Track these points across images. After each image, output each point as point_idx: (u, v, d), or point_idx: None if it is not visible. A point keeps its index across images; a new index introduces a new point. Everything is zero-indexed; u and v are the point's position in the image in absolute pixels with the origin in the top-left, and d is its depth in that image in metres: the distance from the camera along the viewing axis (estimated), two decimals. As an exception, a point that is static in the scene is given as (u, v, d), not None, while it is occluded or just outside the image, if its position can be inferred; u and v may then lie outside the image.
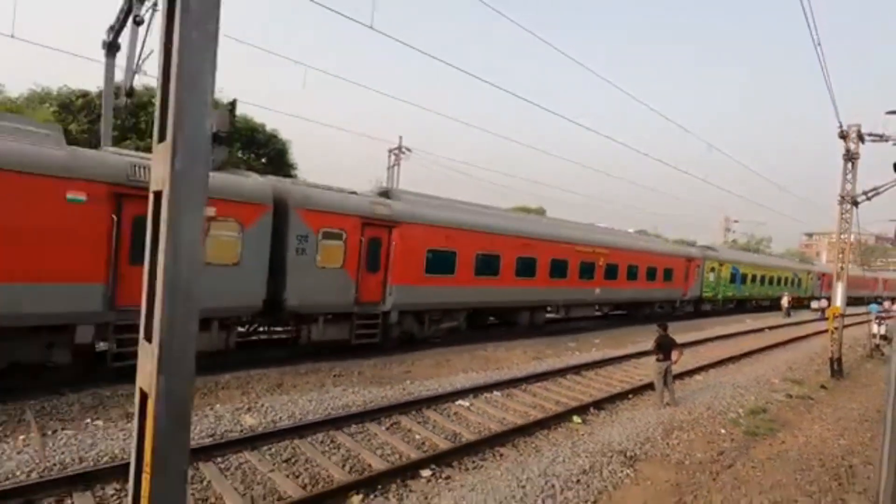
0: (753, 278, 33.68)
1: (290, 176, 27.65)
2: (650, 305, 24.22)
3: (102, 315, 8.15)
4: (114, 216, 8.08)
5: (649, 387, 11.08)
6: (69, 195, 7.68)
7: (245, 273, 9.78)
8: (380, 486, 5.89)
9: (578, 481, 6.40)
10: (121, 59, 13.94)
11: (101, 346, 8.70)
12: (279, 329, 12.79)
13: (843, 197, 15.59)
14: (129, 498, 2.25)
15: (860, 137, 15.15)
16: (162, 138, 2.19)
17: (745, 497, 6.40)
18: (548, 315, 19.30)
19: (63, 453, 5.94)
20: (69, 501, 5.07)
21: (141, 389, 2.22)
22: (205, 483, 5.69)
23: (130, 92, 13.25)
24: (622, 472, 6.85)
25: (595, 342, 17.22)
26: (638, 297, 22.81)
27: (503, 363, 12.84)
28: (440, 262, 13.64)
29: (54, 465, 5.68)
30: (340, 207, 11.52)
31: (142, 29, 12.73)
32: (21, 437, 6.36)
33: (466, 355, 13.35)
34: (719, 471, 7.18)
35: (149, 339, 2.14)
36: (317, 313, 11.25)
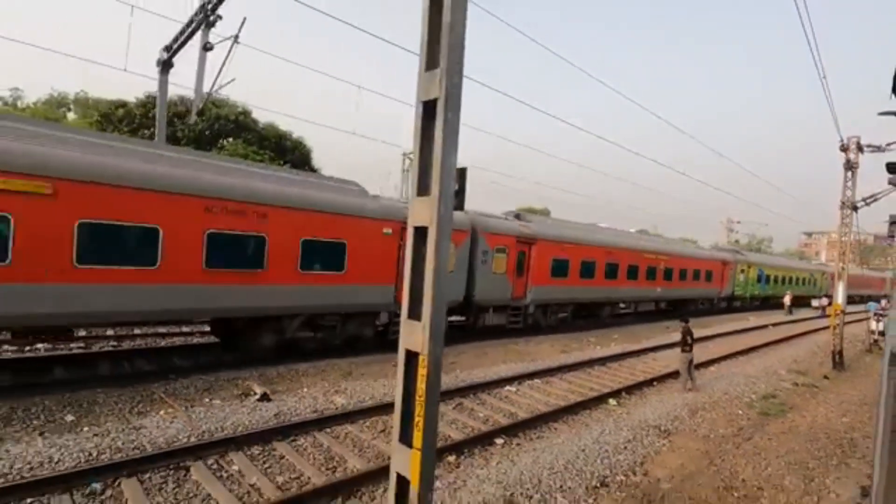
0: (776, 279, 37.59)
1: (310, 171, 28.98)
2: (695, 302, 28.65)
3: (392, 306, 12.34)
4: (400, 241, 11.93)
5: (670, 376, 12.40)
6: (384, 230, 12.09)
7: (456, 278, 14.13)
8: (465, 451, 7.16)
9: (625, 448, 7.67)
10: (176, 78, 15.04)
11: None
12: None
13: (843, 203, 16.88)
14: (397, 426, 3.52)
15: (859, 148, 16.44)
16: (423, 192, 3.46)
17: (765, 461, 7.68)
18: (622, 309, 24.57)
19: (206, 423, 7.21)
20: (228, 458, 6.34)
21: (408, 350, 3.48)
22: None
23: (202, 112, 14.39)
24: (659, 442, 8.13)
25: (614, 337, 18.52)
26: (687, 294, 27.18)
27: (535, 356, 14.11)
28: (560, 268, 18.01)
29: (203, 432, 6.94)
30: (506, 230, 16.09)
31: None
32: (161, 412, 7.63)
33: (501, 349, 14.62)
34: (740, 442, 8.47)
35: (417, 318, 3.41)
36: (489, 305, 15.83)
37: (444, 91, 3.30)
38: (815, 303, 37.80)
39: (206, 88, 13.91)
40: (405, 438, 3.49)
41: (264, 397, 8.40)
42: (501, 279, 15.83)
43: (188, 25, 14.79)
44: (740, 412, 10.19)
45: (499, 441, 7.61)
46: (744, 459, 7.69)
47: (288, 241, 10.29)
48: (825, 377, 14.54)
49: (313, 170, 29.72)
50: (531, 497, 5.88)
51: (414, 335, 3.46)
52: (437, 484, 5.85)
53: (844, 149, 15.56)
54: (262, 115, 28.88)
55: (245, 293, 9.77)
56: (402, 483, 3.50)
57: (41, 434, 6.52)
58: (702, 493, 6.48)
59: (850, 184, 16.66)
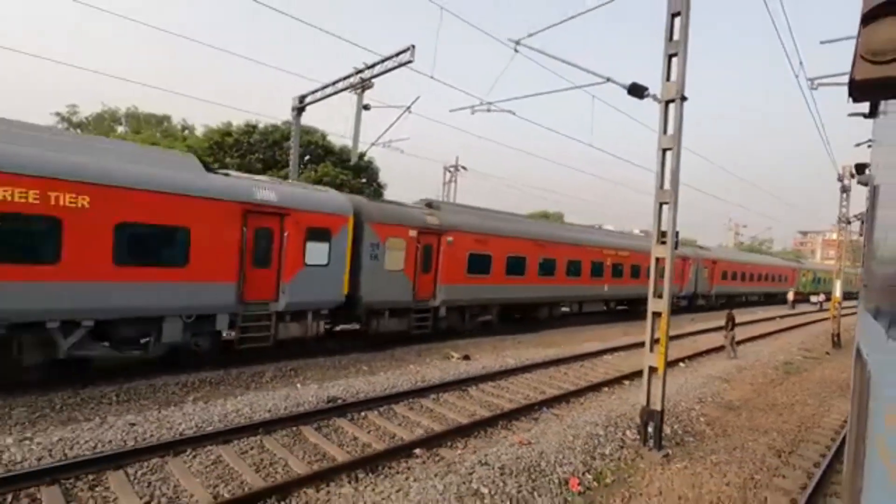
0: (818, 279, 51.24)
1: (379, 193, 33.49)
2: (775, 297, 42.91)
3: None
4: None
5: (714, 350, 16.91)
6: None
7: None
8: (520, 416, 11.58)
9: (703, 386, 12.10)
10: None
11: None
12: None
13: (839, 218, 21.45)
14: (648, 343, 7.94)
15: (852, 175, 20.99)
16: (661, 241, 7.88)
17: (792, 393, 12.17)
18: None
19: (450, 371, 11.63)
20: (473, 387, 10.74)
21: (654, 312, 7.92)
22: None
23: (362, 156, 18.71)
24: (723, 385, 12.56)
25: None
26: (774, 291, 42.50)
27: (566, 345, 18.55)
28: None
29: (452, 375, 11.33)
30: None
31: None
32: (410, 365, 12.02)
33: (509, 342, 19.07)
34: (775, 385, 12.96)
35: (660, 296, 7.83)
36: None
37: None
38: (813, 298, 42.62)
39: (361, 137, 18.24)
40: (651, 350, 7.93)
41: (465, 358, 12.82)
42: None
43: (327, 86, 19.23)
44: (770, 371, 14.69)
45: (574, 399, 12.08)
46: (779, 392, 12.19)
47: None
48: (827, 353, 19.07)
49: (380, 186, 34.17)
50: (677, 404, 10.33)
51: (658, 304, 7.90)
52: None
53: (840, 178, 20.11)
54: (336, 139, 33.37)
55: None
56: (652, 370, 7.95)
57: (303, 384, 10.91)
58: (757, 406, 10.95)
59: (844, 203, 21.23)
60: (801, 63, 10.72)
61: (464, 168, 40.90)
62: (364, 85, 17.88)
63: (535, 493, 6.11)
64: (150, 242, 9.04)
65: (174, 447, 6.47)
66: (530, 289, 18.12)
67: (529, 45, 9.84)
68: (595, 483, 6.68)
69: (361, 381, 10.31)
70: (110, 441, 6.52)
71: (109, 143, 10.26)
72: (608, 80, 9.06)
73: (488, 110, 11.73)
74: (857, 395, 3.43)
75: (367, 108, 17.88)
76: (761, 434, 9.10)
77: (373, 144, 18.44)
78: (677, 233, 8.00)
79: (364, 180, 32.53)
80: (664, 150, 8.09)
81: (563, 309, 21.20)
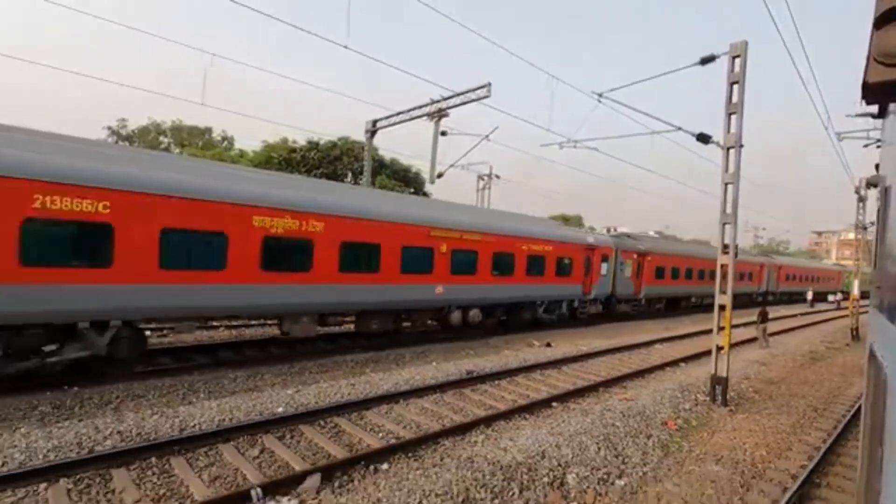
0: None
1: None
2: (824, 295, 47.78)
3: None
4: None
5: (748, 342, 19.55)
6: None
7: None
8: (611, 386, 14.32)
9: (747, 367, 14.77)
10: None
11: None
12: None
13: (856, 225, 23.96)
14: (716, 328, 10.69)
15: (868, 186, 23.50)
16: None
17: (820, 373, 14.84)
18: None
19: (541, 355, 14.45)
20: (563, 367, 13.54)
21: (720, 305, 10.67)
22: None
23: (440, 175, 21.58)
24: (761, 367, 15.21)
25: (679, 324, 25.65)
26: (822, 290, 47.77)
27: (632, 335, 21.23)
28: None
29: (545, 357, 14.13)
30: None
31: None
32: (505, 351, 14.83)
33: (593, 331, 21.79)
34: (805, 368, 15.62)
35: (724, 291, 10.57)
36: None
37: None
38: (830, 297, 44.95)
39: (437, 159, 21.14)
40: (718, 333, 10.67)
41: (547, 345, 15.63)
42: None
43: (400, 112, 22.16)
44: (798, 357, 17.32)
45: (650, 374, 14.81)
46: (809, 372, 14.87)
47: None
48: (847, 345, 21.61)
49: (425, 195, 37.10)
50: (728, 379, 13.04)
51: (723, 299, 10.65)
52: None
53: (857, 191, 22.65)
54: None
55: None
56: (719, 349, 10.69)
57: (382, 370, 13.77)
58: (792, 382, 13.63)
59: (861, 212, 23.74)
60: (828, 118, 13.36)
61: (497, 177, 43.84)
62: (441, 114, 20.83)
63: (649, 428, 8.88)
64: (557, 267, 19.36)
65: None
66: (680, 288, 29.04)
67: (610, 97, 12.63)
68: (685, 425, 9.45)
69: (485, 360, 13.16)
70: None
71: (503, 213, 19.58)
72: (679, 128, 11.83)
73: (574, 146, 14.52)
74: (870, 396, 3.29)
75: (444, 133, 20.80)
76: (799, 398, 11.82)
77: (451, 166, 21.29)
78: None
79: (412, 189, 35.50)
80: (726, 184, 10.86)
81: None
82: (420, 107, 21.69)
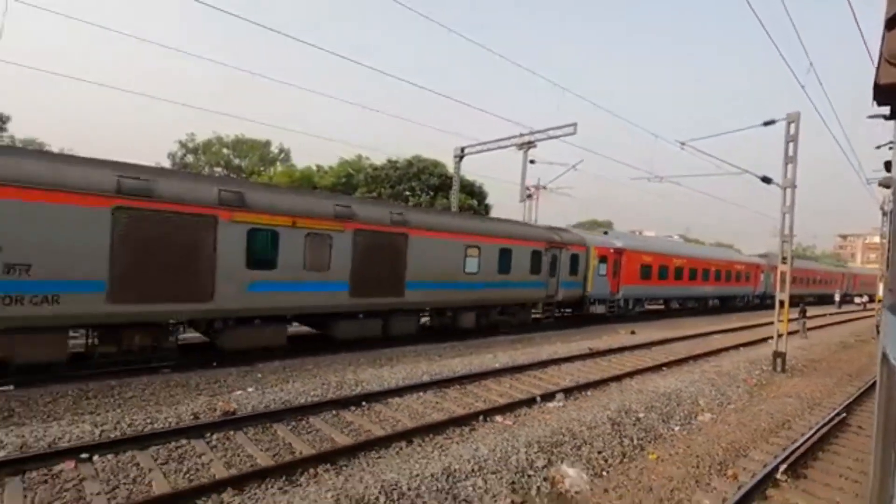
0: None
1: (487, 211, 41.07)
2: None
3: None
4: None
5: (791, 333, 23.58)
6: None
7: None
8: (693, 360, 18.53)
9: (793, 351, 18.88)
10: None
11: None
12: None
13: (881, 234, 27.77)
14: (777, 317, 14.92)
15: (881, 186, 27.31)
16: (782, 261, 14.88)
17: (851, 356, 18.92)
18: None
19: (627, 342, 18.80)
20: (653, 349, 17.84)
21: (781, 300, 14.91)
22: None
23: (529, 195, 26.07)
24: (804, 351, 19.27)
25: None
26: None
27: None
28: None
29: (630, 343, 18.45)
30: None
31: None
32: (602, 337, 19.19)
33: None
34: (839, 353, 19.69)
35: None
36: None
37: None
38: (857, 300, 48.48)
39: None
40: (779, 321, 14.90)
41: (632, 333, 19.96)
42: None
43: (489, 142, 26.67)
44: (832, 346, 21.36)
45: (741, 348, 19.03)
46: (842, 356, 18.98)
47: None
48: (872, 338, 25.43)
49: (487, 206, 41.64)
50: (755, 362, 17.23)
51: (782, 296, 14.88)
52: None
53: (882, 209, 26.48)
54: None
55: None
56: (779, 334, 14.92)
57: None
58: (830, 361, 17.76)
59: (885, 225, 27.54)
60: (860, 164, 17.30)
61: (544, 188, 48.12)
62: (530, 145, 25.31)
63: (734, 384, 13.17)
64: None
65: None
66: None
67: (692, 146, 16.96)
68: (757, 384, 13.71)
69: (601, 342, 17.53)
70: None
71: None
72: (745, 171, 16.10)
73: (660, 181, 18.82)
74: (883, 400, 3.26)
75: (532, 162, 25.26)
76: (837, 370, 16.00)
77: (543, 188, 25.70)
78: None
79: (476, 202, 40.06)
80: (784, 213, 15.10)
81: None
82: (509, 137, 26.22)
